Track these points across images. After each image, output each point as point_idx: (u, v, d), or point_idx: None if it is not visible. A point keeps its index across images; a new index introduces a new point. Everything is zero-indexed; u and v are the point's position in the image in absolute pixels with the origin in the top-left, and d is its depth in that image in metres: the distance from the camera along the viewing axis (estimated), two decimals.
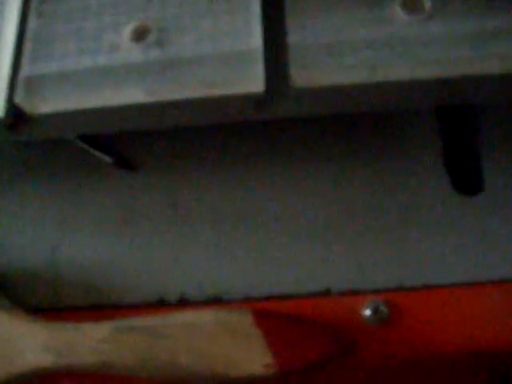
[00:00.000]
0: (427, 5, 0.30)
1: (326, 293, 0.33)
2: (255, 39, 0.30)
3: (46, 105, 0.31)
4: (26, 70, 0.31)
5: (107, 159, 0.36)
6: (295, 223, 0.34)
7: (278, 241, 0.34)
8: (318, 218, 0.34)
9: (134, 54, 0.31)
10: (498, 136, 0.35)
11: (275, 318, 0.31)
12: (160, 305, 0.34)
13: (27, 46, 0.32)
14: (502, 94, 0.30)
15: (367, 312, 0.32)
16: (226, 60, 0.30)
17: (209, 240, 0.35)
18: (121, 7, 0.32)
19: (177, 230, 0.35)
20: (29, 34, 0.32)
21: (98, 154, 0.36)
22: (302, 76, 0.29)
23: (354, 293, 0.33)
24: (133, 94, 0.30)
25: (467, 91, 0.30)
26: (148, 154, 0.37)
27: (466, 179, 0.35)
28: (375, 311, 0.32)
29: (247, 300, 0.33)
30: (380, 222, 0.34)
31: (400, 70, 0.29)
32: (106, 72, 0.31)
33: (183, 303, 0.34)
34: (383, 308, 0.32)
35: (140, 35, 0.31)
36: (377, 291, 0.33)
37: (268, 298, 0.33)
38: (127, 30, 0.31)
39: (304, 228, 0.34)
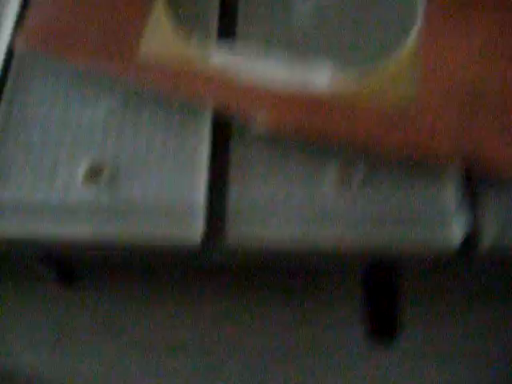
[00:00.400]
0: (356, 181, 0.33)
1: None
2: (198, 194, 0.33)
3: None
4: None
5: (48, 273, 0.38)
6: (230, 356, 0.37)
7: (210, 371, 0.36)
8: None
9: (85, 194, 0.33)
10: (418, 288, 0.38)
11: None
12: None
13: None
14: (424, 262, 0.33)
15: None
16: (168, 211, 0.32)
17: (140, 363, 0.36)
18: (77, 144, 0.34)
19: (109, 350, 0.37)
20: None
21: (38, 267, 0.38)
22: (236, 232, 0.32)
23: None
24: (80, 232, 0.32)
25: (390, 259, 0.33)
26: (89, 269, 0.39)
27: (382, 327, 0.38)
28: None
29: None
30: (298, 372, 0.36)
31: (328, 237, 0.32)
32: (57, 207, 0.33)
33: None
34: None
35: (93, 174, 0.34)
36: None
37: None
38: (82, 168, 0.34)
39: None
